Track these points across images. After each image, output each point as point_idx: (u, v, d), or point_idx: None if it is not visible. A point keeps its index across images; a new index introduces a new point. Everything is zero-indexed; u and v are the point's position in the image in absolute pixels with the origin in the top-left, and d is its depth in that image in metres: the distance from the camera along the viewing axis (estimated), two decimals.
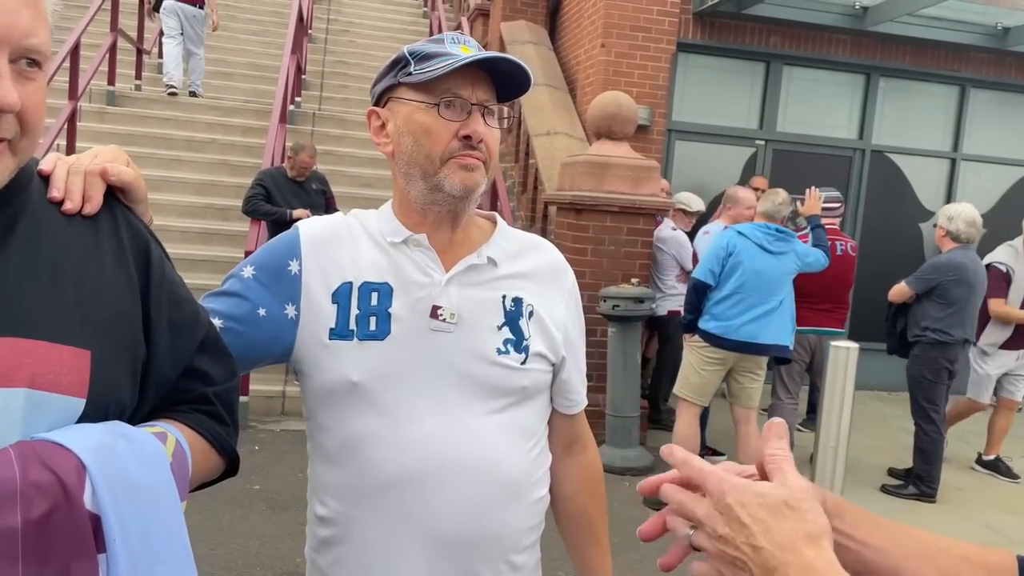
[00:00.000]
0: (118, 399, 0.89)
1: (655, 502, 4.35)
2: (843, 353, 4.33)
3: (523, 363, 1.24)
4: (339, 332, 1.20)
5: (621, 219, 5.36)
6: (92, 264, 0.91)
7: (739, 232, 4.37)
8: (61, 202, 0.93)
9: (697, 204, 6.19)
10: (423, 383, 1.20)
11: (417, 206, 1.24)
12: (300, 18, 8.32)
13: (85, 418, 0.85)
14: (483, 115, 1.20)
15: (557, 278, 1.34)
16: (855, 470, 5.05)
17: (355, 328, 1.20)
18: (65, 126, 6.53)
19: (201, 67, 8.37)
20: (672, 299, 5.67)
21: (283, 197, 5.63)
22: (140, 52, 8.28)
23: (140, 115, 7.79)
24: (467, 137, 1.18)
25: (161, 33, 8.82)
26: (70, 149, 6.74)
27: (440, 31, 9.64)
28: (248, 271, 1.24)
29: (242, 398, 5.20)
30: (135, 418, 0.94)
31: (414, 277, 1.23)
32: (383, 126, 1.24)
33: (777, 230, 4.41)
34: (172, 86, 8.03)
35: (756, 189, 6.65)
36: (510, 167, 7.72)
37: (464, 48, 1.20)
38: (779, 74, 7.46)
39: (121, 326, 0.91)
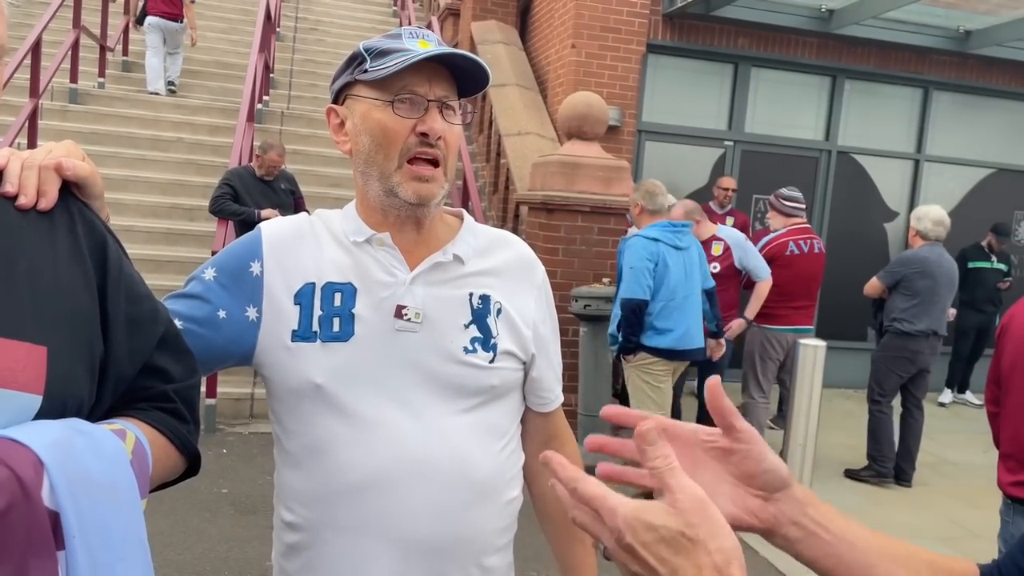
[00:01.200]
0: (76, 396, 0.87)
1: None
2: (811, 351, 4.39)
3: (491, 362, 1.22)
4: (302, 334, 1.18)
5: (592, 219, 5.37)
6: (47, 260, 0.89)
7: (652, 238, 4.30)
8: (15, 198, 0.90)
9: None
10: (389, 384, 1.18)
11: (377, 206, 1.22)
12: (268, 16, 8.22)
13: (42, 415, 0.83)
14: (441, 111, 1.17)
15: (526, 274, 1.31)
16: (823, 466, 5.11)
17: (318, 329, 1.18)
18: (26, 124, 6.38)
19: (179, 64, 8.62)
20: None
21: (251, 197, 5.56)
22: (103, 49, 8.13)
23: (104, 113, 7.65)
24: (424, 134, 1.16)
25: (126, 30, 8.69)
26: (31, 147, 6.59)
27: None
28: (209, 273, 1.22)
29: (210, 400, 5.13)
30: (94, 415, 0.92)
31: (378, 276, 1.20)
32: (342, 124, 1.22)
33: (677, 225, 4.39)
34: (156, 93, 8.21)
35: (725, 189, 6.71)
36: (481, 167, 7.71)
37: (423, 43, 1.17)
38: (747, 76, 7.53)
39: (78, 322, 0.89)
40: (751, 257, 5.11)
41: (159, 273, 6.13)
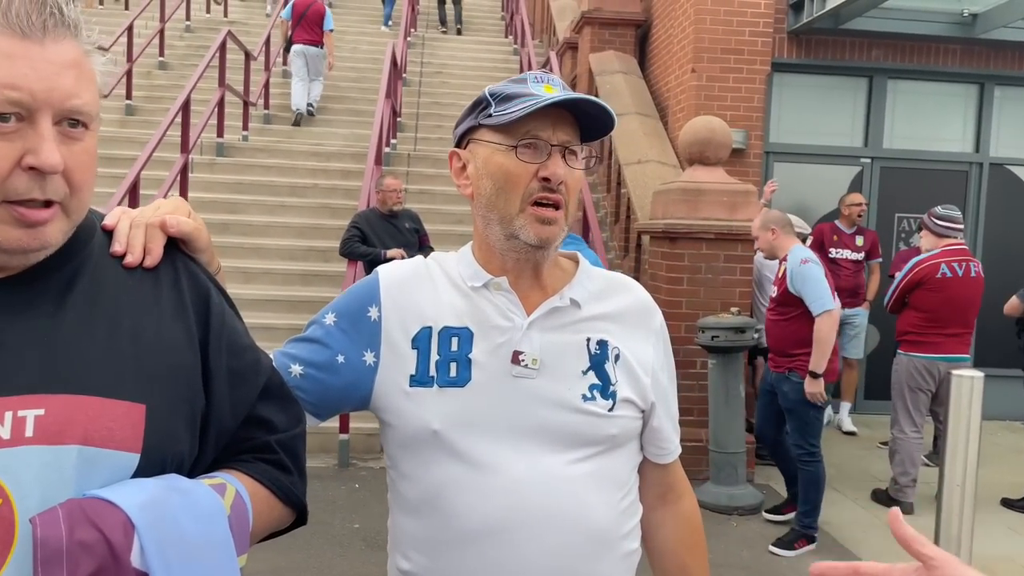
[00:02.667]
0: (175, 452, 0.89)
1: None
2: (967, 382, 4.01)
3: (610, 410, 1.19)
4: (419, 379, 1.18)
5: (717, 246, 5.20)
6: (150, 317, 0.92)
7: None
8: (123, 256, 0.94)
9: (804, 227, 5.95)
10: (506, 431, 1.16)
11: (496, 251, 1.22)
12: (394, 62, 8.57)
13: (140, 472, 0.85)
14: (564, 156, 1.17)
15: (644, 319, 1.28)
16: (985, 508, 4.65)
17: (435, 374, 1.18)
18: (178, 177, 6.91)
19: (318, 91, 9.50)
20: None
21: (378, 237, 5.73)
22: (247, 104, 8.71)
23: (247, 164, 8.17)
24: (546, 179, 1.15)
25: (266, 85, 9.29)
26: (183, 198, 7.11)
27: (530, 67, 9.73)
28: (329, 318, 1.24)
29: (343, 436, 5.28)
30: (196, 469, 0.93)
31: (495, 321, 1.19)
32: (463, 167, 1.23)
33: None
34: (299, 112, 9.19)
35: (856, 205, 6.33)
36: (602, 197, 7.66)
37: (548, 87, 1.17)
38: (883, 89, 7.13)
39: (178, 378, 0.91)
40: (806, 283, 4.16)
41: (295, 313, 6.44)
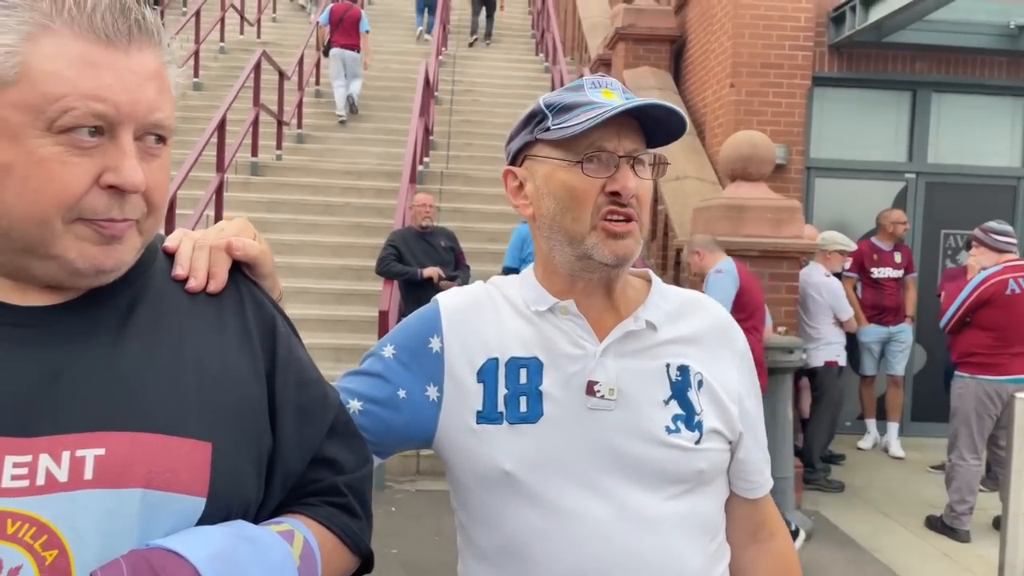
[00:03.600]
0: (241, 496, 0.80)
1: None
2: None
3: (697, 442, 1.08)
4: (487, 415, 1.08)
5: (762, 264, 5.06)
6: (215, 346, 0.84)
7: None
8: (185, 280, 0.86)
9: (849, 244, 5.80)
10: (585, 470, 1.05)
11: (564, 272, 1.11)
12: (427, 81, 8.56)
13: (206, 518, 0.77)
14: (632, 166, 1.06)
15: (726, 340, 1.17)
16: None
17: (504, 410, 1.07)
18: (213, 197, 6.92)
19: (358, 87, 9.85)
20: (827, 348, 5.29)
21: (413, 256, 5.68)
22: (280, 124, 8.74)
23: (281, 183, 8.18)
24: (615, 193, 1.05)
25: (299, 105, 9.33)
26: (217, 218, 7.13)
27: (562, 85, 9.68)
28: (388, 350, 1.14)
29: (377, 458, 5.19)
30: (261, 514, 0.85)
31: (565, 349, 1.09)
32: (520, 186, 1.13)
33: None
34: (340, 116, 9.64)
35: (902, 223, 6.16)
36: None
37: (607, 92, 1.07)
38: (927, 102, 6.96)
39: (245, 414, 0.83)
40: (708, 288, 4.31)
41: (330, 332, 6.39)
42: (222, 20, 11.38)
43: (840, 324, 5.49)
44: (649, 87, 7.76)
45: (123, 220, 0.77)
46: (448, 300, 1.16)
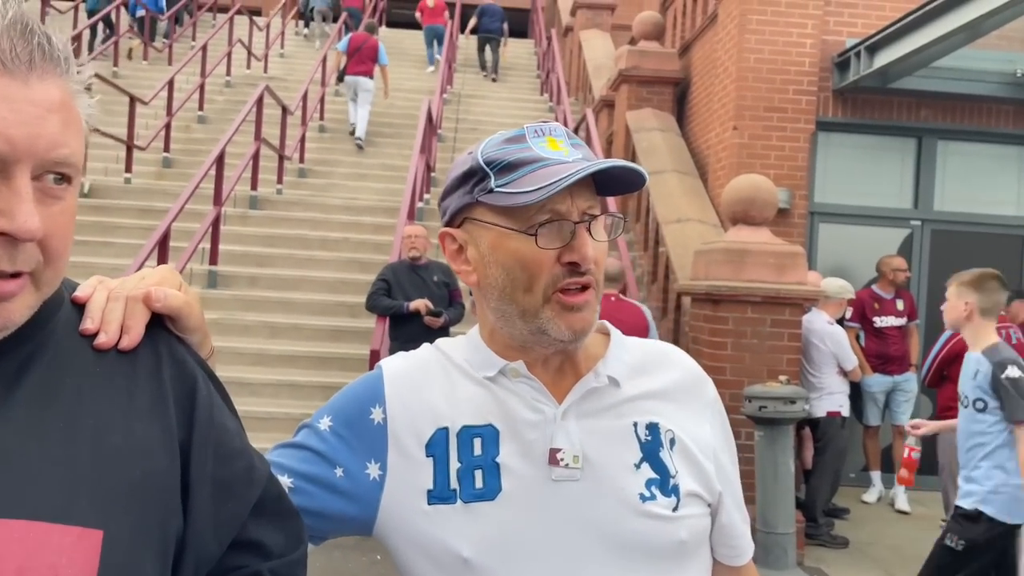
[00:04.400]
0: None
1: None
2: None
3: (675, 509, 0.96)
4: (438, 493, 0.95)
5: (764, 310, 4.94)
6: (119, 414, 0.73)
7: None
8: (95, 335, 0.75)
9: (849, 291, 5.68)
10: (553, 551, 0.93)
11: (516, 344, 1.00)
12: (429, 119, 8.55)
13: None
14: (588, 228, 0.95)
15: (695, 392, 1.06)
16: None
17: (457, 487, 0.95)
18: (210, 230, 6.84)
19: (364, 121, 10.05)
20: (830, 398, 5.15)
21: (402, 290, 5.51)
22: (281, 158, 8.72)
23: (280, 217, 8.12)
24: (573, 263, 0.94)
25: (302, 140, 9.31)
26: (213, 252, 7.06)
27: (566, 125, 9.67)
28: (324, 422, 1.02)
29: None
30: None
31: (522, 414, 0.97)
32: (460, 249, 1.01)
33: None
34: (356, 136, 10.02)
35: (902, 270, 6.06)
36: (639, 256, 7.45)
37: (551, 142, 0.96)
38: (933, 149, 6.90)
39: (149, 493, 0.71)
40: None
41: (324, 370, 6.26)
42: (229, 54, 11.46)
43: (844, 373, 5.35)
44: (651, 128, 7.72)
45: (13, 275, 0.67)
46: (392, 365, 1.04)
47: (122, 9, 12.53)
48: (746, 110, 6.58)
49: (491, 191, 0.95)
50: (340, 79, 10.36)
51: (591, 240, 0.95)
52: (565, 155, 0.95)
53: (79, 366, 0.74)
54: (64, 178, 0.70)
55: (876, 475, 6.24)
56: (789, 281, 4.94)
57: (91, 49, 11.75)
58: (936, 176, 6.92)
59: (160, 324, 0.80)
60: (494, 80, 13.10)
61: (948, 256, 6.86)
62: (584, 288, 0.96)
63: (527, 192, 0.92)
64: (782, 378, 4.67)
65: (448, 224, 1.03)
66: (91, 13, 12.42)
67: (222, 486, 0.77)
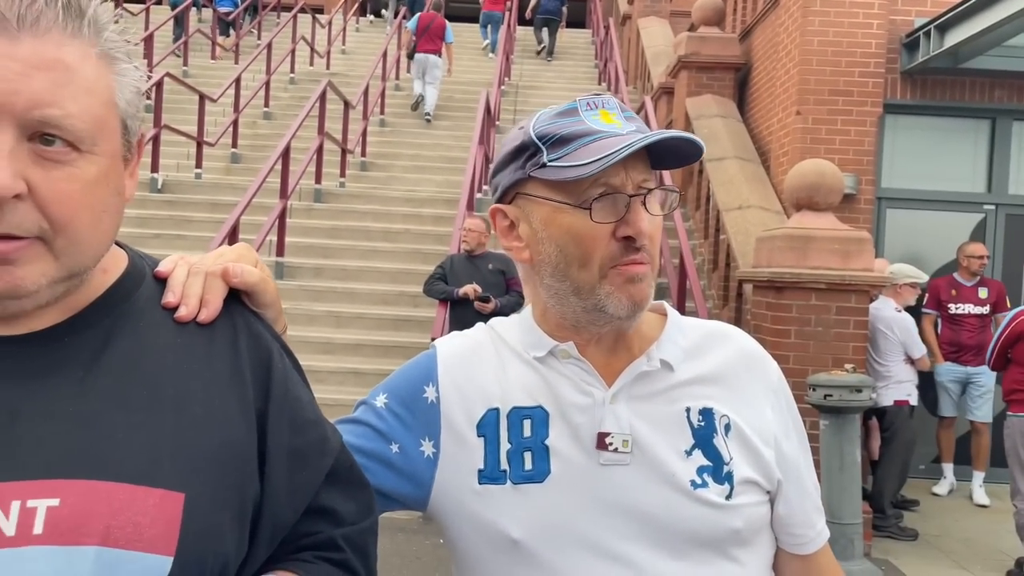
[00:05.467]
0: (217, 552, 0.72)
1: None
2: None
3: (728, 497, 0.94)
4: (489, 474, 0.96)
5: (829, 297, 4.85)
6: (199, 383, 0.76)
7: None
8: (175, 308, 0.79)
9: (921, 276, 5.53)
10: (601, 535, 0.93)
11: (570, 323, 0.99)
12: (488, 110, 8.60)
13: None
14: (643, 202, 0.94)
15: (755, 374, 1.02)
16: None
17: (507, 468, 0.95)
18: (276, 222, 7.03)
19: (433, 99, 10.67)
20: (897, 387, 5.03)
21: (457, 279, 5.66)
22: (344, 152, 8.88)
23: (343, 210, 8.28)
24: (628, 238, 0.93)
25: (364, 133, 9.47)
26: (280, 244, 7.25)
27: None
28: (380, 399, 1.03)
29: None
30: (245, 570, 0.76)
31: (571, 397, 0.97)
32: (512, 226, 1.00)
33: None
34: (420, 95, 10.69)
35: (976, 257, 5.85)
36: (699, 244, 7.38)
37: (604, 115, 0.94)
38: (1008, 131, 6.64)
39: (227, 459, 0.74)
40: None
41: (387, 358, 6.38)
42: (293, 52, 11.71)
43: (912, 362, 5.21)
44: (712, 115, 7.62)
45: (6, 237, 0.66)
46: (445, 345, 1.05)
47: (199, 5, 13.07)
48: (810, 94, 6.44)
49: (544, 166, 0.93)
50: (410, 56, 10.84)
51: (646, 214, 0.94)
52: (619, 127, 0.93)
53: (160, 338, 0.77)
54: (64, 142, 0.67)
55: (948, 467, 6.06)
56: (855, 268, 4.83)
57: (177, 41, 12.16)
58: (1011, 159, 6.66)
59: (237, 299, 0.83)
60: (548, 61, 13.44)
61: (1023, 242, 6.62)
62: (640, 263, 0.95)
63: (582, 165, 0.90)
64: (848, 366, 4.58)
65: (499, 200, 1.01)
66: (174, 6, 12.91)
67: (297, 455, 0.80)
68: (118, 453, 0.70)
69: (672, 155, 0.97)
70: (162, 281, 0.81)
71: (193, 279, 0.81)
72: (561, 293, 0.97)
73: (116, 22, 0.74)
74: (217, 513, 0.72)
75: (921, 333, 5.56)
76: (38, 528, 0.65)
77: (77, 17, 0.69)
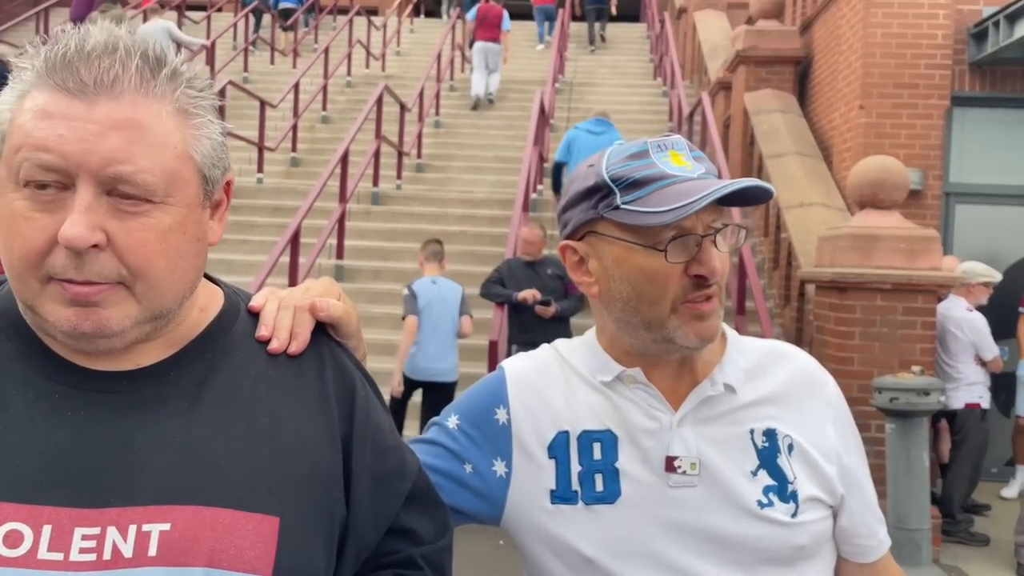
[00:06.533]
0: (309, 571, 0.77)
1: None
2: None
3: (794, 515, 0.97)
4: (561, 494, 1.00)
5: (894, 298, 4.74)
6: (291, 413, 0.81)
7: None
8: (267, 341, 0.84)
9: (994, 275, 5.35)
10: (672, 554, 0.96)
11: (636, 351, 1.03)
12: (542, 109, 8.60)
13: None
14: (714, 240, 0.97)
15: (813, 392, 1.06)
16: None
17: (579, 489, 1.00)
18: (336, 226, 7.17)
19: (496, 82, 11.18)
20: (968, 389, 4.89)
21: (516, 283, 5.63)
22: (400, 155, 8.99)
23: (400, 212, 8.39)
24: (700, 276, 0.96)
25: (419, 136, 9.58)
26: (339, 247, 7.38)
27: (680, 109, 9.50)
28: (452, 420, 1.08)
29: None
30: None
31: (639, 422, 1.00)
32: (581, 261, 1.03)
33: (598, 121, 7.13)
34: (478, 97, 10.98)
35: None
36: (759, 242, 7.27)
37: (675, 157, 0.97)
38: None
39: (317, 484, 0.79)
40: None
41: None
42: (349, 56, 11.89)
43: (983, 363, 5.05)
44: (771, 110, 7.49)
45: (84, 283, 0.71)
46: (514, 367, 1.09)
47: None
48: (873, 87, 6.29)
49: (617, 208, 0.96)
50: (470, 46, 11.24)
51: (717, 252, 0.97)
52: (689, 170, 0.96)
53: (255, 370, 0.82)
54: (143, 197, 0.72)
55: (1022, 469, 5.86)
56: (922, 267, 4.71)
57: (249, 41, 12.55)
58: None
59: (323, 331, 0.88)
60: (595, 50, 13.67)
61: None
62: (709, 298, 0.98)
63: (661, 212, 0.93)
64: (915, 368, 4.46)
65: (569, 237, 1.04)
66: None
67: (379, 478, 0.85)
68: (221, 480, 0.75)
69: (741, 196, 0.99)
70: (255, 315, 0.87)
71: (283, 313, 0.86)
72: (631, 325, 1.01)
73: (197, 79, 0.79)
74: (309, 535, 0.77)
75: (1016, 333, 5.38)
76: (152, 551, 0.71)
77: (151, 78, 0.73)
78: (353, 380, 0.87)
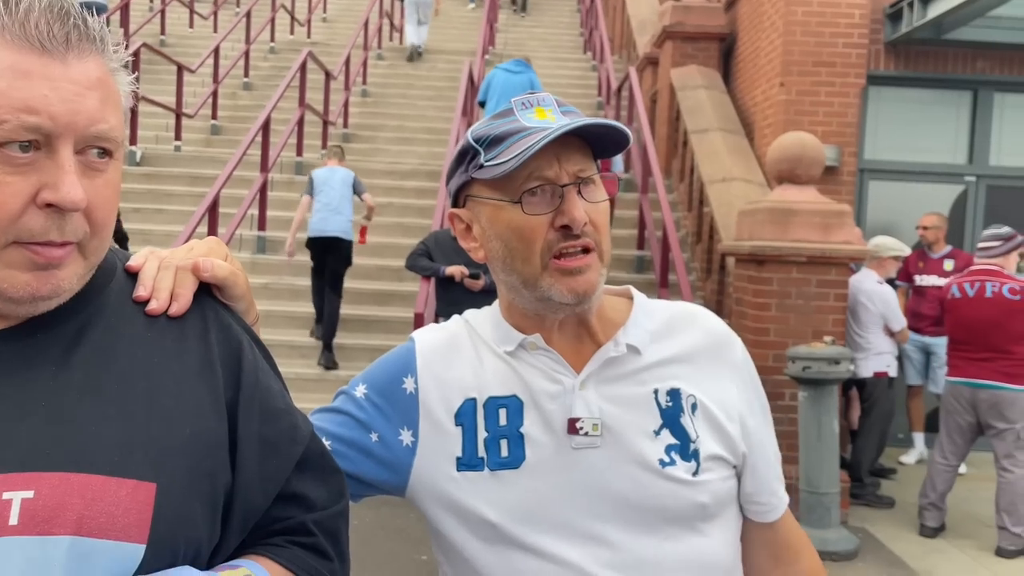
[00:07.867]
0: (190, 538, 0.74)
1: None
2: None
3: (695, 473, 0.99)
4: (467, 461, 1.00)
5: (809, 270, 4.88)
6: (171, 375, 0.78)
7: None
8: (146, 302, 0.81)
9: (904, 249, 5.56)
10: (576, 516, 0.97)
11: (530, 314, 1.03)
12: (471, 80, 8.52)
13: (146, 566, 0.70)
14: (580, 190, 0.97)
15: (720, 353, 1.07)
16: None
17: (484, 455, 1.00)
18: (257, 196, 6.97)
19: (424, 35, 11.62)
20: (877, 358, 5.09)
21: (444, 256, 5.50)
22: (326, 124, 8.79)
23: None
24: (565, 227, 0.96)
25: (346, 104, 9.37)
26: (261, 218, 7.20)
27: (609, 84, 9.54)
28: (360, 389, 1.07)
29: None
30: (218, 556, 0.79)
31: (542, 386, 1.01)
32: (468, 228, 1.05)
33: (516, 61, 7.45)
34: (413, 46, 11.50)
35: (925, 228, 5.92)
36: (683, 216, 7.39)
37: (540, 112, 0.98)
38: (989, 102, 6.66)
39: (199, 448, 0.77)
40: None
41: (369, 332, 6.38)
42: (272, 20, 11.53)
43: (891, 334, 5.27)
44: (696, 86, 7.59)
45: (62, 244, 0.72)
46: (423, 337, 1.09)
47: None
48: (793, 65, 6.43)
49: (481, 166, 0.97)
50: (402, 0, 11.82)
51: (582, 202, 0.96)
52: (551, 122, 0.96)
53: (132, 331, 0.79)
54: (106, 152, 0.74)
55: (919, 436, 6.16)
56: (836, 240, 4.86)
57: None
58: (992, 130, 6.69)
59: (207, 292, 0.85)
60: (522, 18, 13.84)
61: (1004, 213, 6.66)
62: (586, 251, 0.97)
63: (507, 160, 0.94)
64: (827, 339, 4.62)
65: (454, 205, 1.06)
66: None
67: (267, 443, 0.82)
68: (91, 445, 0.72)
69: (611, 142, 1.00)
70: (133, 275, 0.83)
71: (164, 273, 0.83)
72: (514, 286, 1.01)
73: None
74: (188, 501, 0.74)
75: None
76: (13, 519, 0.67)
77: (96, 37, 0.75)
78: (240, 343, 0.84)
